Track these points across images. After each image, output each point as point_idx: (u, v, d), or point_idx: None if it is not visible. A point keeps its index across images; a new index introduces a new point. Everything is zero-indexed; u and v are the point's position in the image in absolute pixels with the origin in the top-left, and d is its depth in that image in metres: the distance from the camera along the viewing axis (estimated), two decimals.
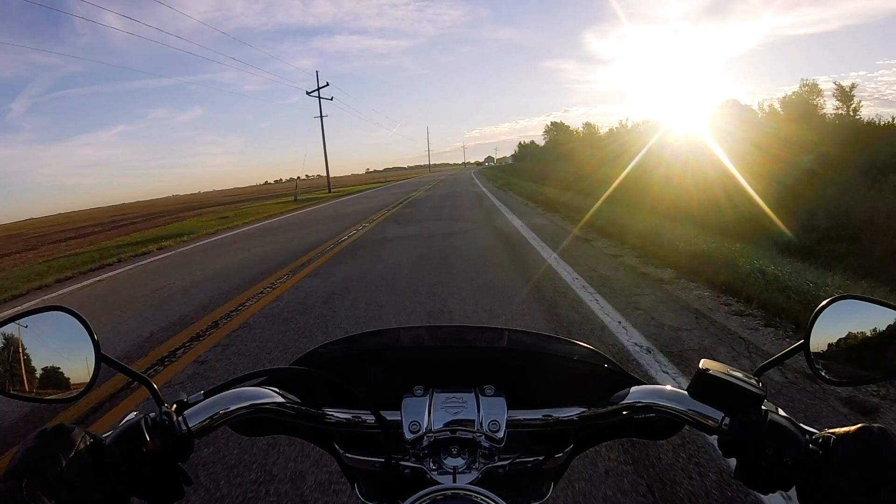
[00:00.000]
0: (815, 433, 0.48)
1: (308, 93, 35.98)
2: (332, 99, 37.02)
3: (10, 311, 0.62)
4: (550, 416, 0.63)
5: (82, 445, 0.47)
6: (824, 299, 0.52)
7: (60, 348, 0.55)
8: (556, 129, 53.25)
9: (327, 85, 36.18)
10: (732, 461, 0.52)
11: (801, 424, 0.49)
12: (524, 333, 0.70)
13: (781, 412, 0.51)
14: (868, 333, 0.50)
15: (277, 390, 0.61)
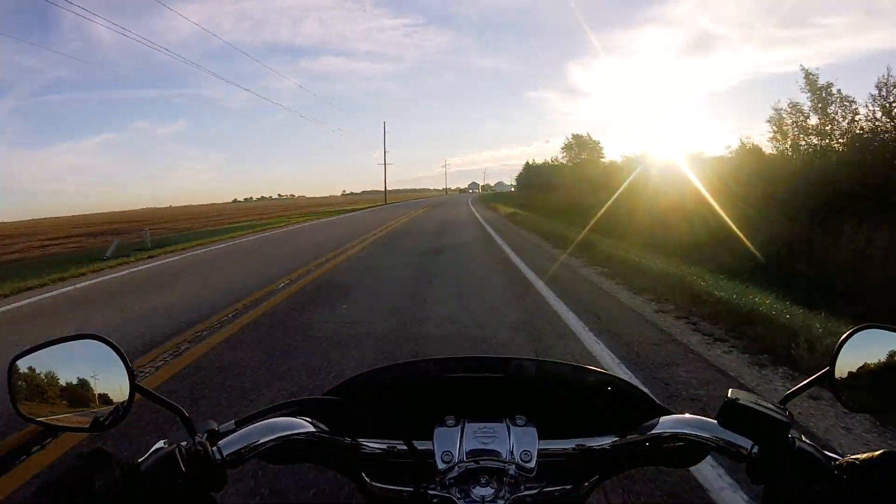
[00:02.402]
0: (838, 459, 0.52)
1: None
2: None
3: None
4: (582, 445, 0.65)
5: (118, 471, 0.49)
6: (850, 328, 0.57)
7: (93, 376, 0.56)
8: (578, 146, 39.46)
9: None
10: (760, 487, 0.56)
11: (825, 451, 0.53)
12: (554, 364, 0.74)
13: (806, 439, 0.55)
14: (891, 361, 0.55)
15: (308, 420, 0.64)
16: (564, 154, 42.09)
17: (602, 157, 36.67)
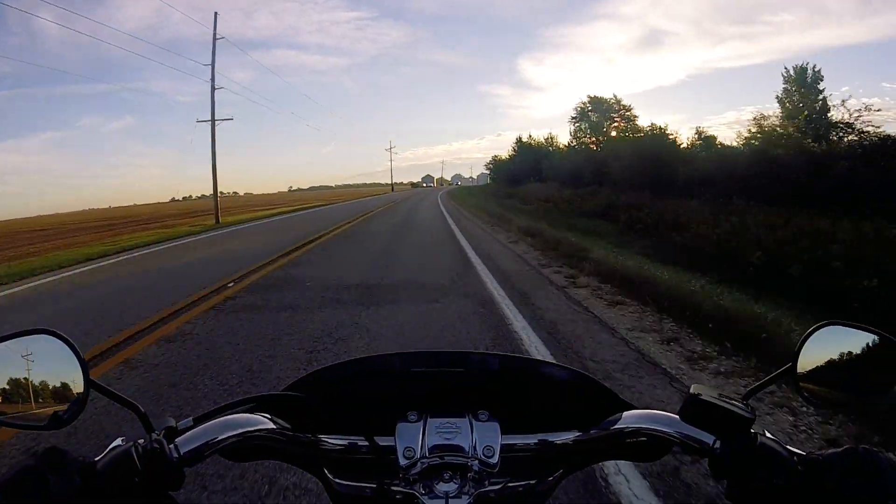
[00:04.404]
0: (802, 455, 0.54)
1: None
2: None
3: None
4: (545, 440, 0.67)
5: (74, 470, 0.49)
6: (812, 326, 0.59)
7: (47, 372, 0.56)
8: (598, 113, 26.75)
9: None
10: (723, 483, 0.57)
11: (789, 447, 0.55)
12: (517, 359, 0.75)
13: (769, 435, 0.56)
14: (853, 358, 0.58)
15: (268, 416, 0.63)
16: (577, 124, 28.20)
17: (641, 129, 23.22)
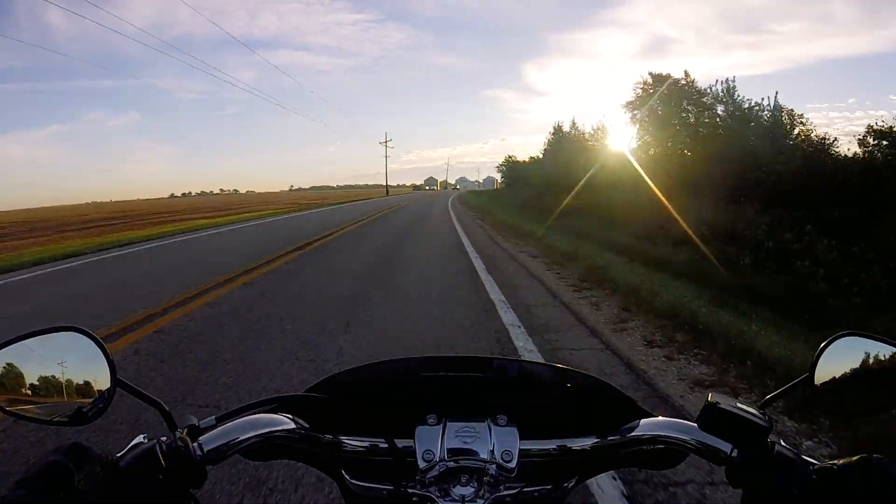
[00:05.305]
0: (816, 464, 0.55)
1: None
2: None
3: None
4: (563, 445, 0.68)
5: (98, 466, 0.49)
6: (830, 335, 0.60)
7: (74, 369, 0.56)
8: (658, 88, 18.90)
9: None
10: (739, 491, 0.58)
11: (804, 456, 0.56)
12: (535, 364, 0.76)
13: (785, 444, 0.57)
14: (870, 368, 0.59)
15: (289, 416, 0.65)
16: (633, 110, 20.26)
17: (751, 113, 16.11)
